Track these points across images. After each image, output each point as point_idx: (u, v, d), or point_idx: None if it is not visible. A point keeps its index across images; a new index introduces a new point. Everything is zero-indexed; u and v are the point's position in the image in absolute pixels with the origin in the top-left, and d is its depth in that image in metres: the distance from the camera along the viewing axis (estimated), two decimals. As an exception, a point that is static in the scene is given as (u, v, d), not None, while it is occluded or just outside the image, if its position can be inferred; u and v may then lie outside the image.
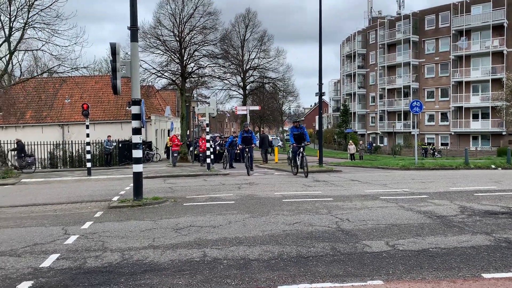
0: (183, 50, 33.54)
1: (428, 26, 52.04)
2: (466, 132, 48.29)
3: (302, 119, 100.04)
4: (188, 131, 39.16)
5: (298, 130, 15.66)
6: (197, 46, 34.36)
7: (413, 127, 47.46)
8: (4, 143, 25.19)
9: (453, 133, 49.28)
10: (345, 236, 6.10)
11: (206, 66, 36.17)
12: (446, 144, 49.85)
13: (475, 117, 47.86)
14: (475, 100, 47.91)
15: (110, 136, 27.18)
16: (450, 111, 49.64)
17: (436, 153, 43.21)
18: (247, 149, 17.54)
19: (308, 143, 16.27)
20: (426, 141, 49.27)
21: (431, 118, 52.00)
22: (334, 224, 6.85)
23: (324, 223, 6.95)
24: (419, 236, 6.02)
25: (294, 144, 15.52)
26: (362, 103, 64.41)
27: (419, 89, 53.22)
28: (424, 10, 53.42)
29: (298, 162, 15.55)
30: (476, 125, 47.68)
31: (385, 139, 58.65)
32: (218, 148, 27.94)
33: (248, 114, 32.19)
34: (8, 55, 24.95)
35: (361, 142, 48.38)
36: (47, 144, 26.07)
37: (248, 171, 17.25)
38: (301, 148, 15.34)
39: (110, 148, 26.32)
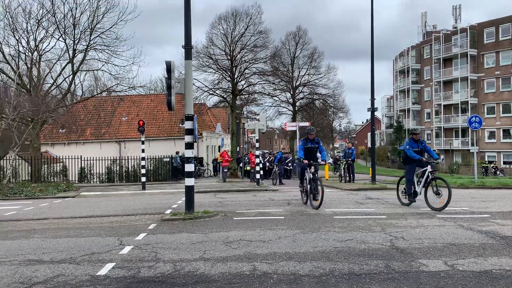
0: (234, 68, 34.20)
1: (488, 39, 49.85)
2: (531, 150, 45.37)
3: (353, 136, 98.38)
4: (238, 147, 39.62)
5: (311, 143, 11.52)
6: (248, 64, 34.90)
7: (472, 144, 45.23)
8: (66, 158, 26.64)
9: (516, 151, 46.44)
10: (400, 254, 5.86)
11: (256, 83, 36.62)
12: (510, 163, 46.97)
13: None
14: (540, 116, 45.03)
15: (178, 152, 28.08)
16: (513, 127, 46.91)
17: (498, 171, 40.82)
18: (312, 168, 11.10)
19: (325, 162, 12.40)
20: (486, 159, 46.73)
21: (492, 135, 49.35)
22: (388, 242, 6.61)
23: (378, 241, 6.72)
24: (481, 256, 5.66)
25: (305, 161, 11.16)
26: (417, 119, 62.36)
27: (478, 104, 50.82)
28: (483, 23, 51.30)
29: (307, 187, 11.14)
30: (543, 142, 44.70)
31: (442, 157, 56.26)
32: (267, 164, 28.01)
33: (297, 131, 32.11)
34: (71, 75, 26.58)
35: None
36: (105, 160, 27.29)
37: (312, 202, 10.94)
38: (313, 168, 10.97)
39: (179, 163, 27.02)
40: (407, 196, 10.95)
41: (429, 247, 6.20)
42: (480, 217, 8.97)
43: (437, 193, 9.93)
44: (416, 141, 10.89)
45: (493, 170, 40.71)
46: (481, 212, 9.68)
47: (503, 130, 48.26)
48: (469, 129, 24.57)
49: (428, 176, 10.35)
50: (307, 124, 41.44)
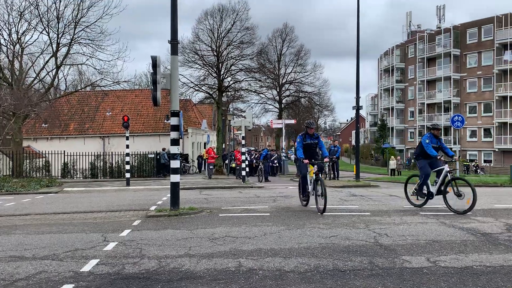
0: (220, 65, 34.08)
1: (470, 39, 50.65)
2: (511, 149, 46.27)
3: (338, 134, 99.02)
4: (223, 144, 39.55)
5: (311, 138, 10.22)
6: (234, 60, 34.82)
7: (454, 143, 45.98)
8: (49, 154, 26.25)
9: (497, 150, 47.33)
10: (383, 251, 5.93)
11: (242, 80, 36.56)
12: (490, 161, 47.90)
13: (522, 133, 45.84)
14: (521, 115, 45.98)
15: (165, 148, 27.89)
16: (493, 126, 47.81)
17: (479, 170, 41.58)
18: (315, 168, 9.79)
19: (329, 159, 10.58)
20: (468, 158, 47.56)
21: (473, 134, 50.25)
22: (372, 239, 6.68)
23: (362, 238, 6.79)
24: (462, 253, 5.77)
25: (306, 161, 9.77)
26: (400, 118, 63.09)
27: (460, 104, 51.64)
28: (466, 24, 52.08)
29: (309, 188, 9.92)
30: (522, 142, 45.64)
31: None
32: (254, 161, 28.04)
33: (283, 128, 32.19)
34: (55, 69, 26.15)
35: (399, 157, 47.20)
36: (88, 155, 26.98)
37: (317, 205, 9.50)
38: (315, 167, 9.74)
39: (167, 159, 26.83)
40: (418, 197, 10.03)
41: (412, 244, 6.30)
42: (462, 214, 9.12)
43: (459, 195, 9.12)
44: (437, 137, 9.93)
45: (474, 168, 41.44)
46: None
47: (484, 129, 49.18)
48: (452, 128, 24.93)
49: (445, 176, 9.51)
50: (293, 121, 41.63)
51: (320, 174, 9.70)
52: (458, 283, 4.52)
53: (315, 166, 9.71)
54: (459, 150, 27.98)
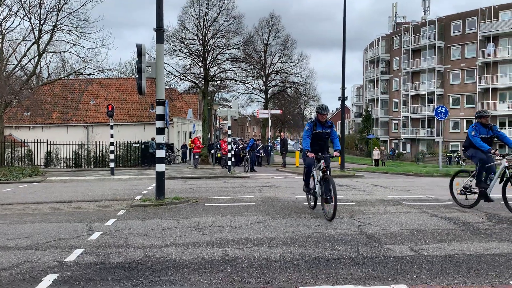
0: (206, 54, 33.86)
1: (454, 31, 51.16)
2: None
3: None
4: (209, 134, 39.41)
5: (322, 127, 8.14)
6: (220, 49, 34.66)
7: (437, 134, 46.66)
8: (31, 142, 25.82)
9: (478, 141, 48.17)
10: (367, 240, 6.02)
11: (228, 70, 36.46)
12: (471, 152, 48.71)
13: (502, 125, 46.65)
14: (502, 108, 46.78)
15: (154, 138, 27.65)
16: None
17: (461, 161, 42.31)
18: (322, 163, 7.83)
19: (339, 153, 8.77)
20: (450, 149, 48.32)
21: (456, 125, 51.01)
22: (357, 228, 6.77)
23: (346, 227, 6.87)
24: (444, 242, 5.89)
25: (311, 154, 7.85)
26: (385, 109, 63.63)
27: (444, 95, 52.29)
28: (450, 16, 52.54)
29: (317, 188, 7.90)
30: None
31: (408, 146, 57.75)
32: (241, 151, 28.05)
33: (269, 118, 32.20)
34: (37, 56, 25.61)
35: (383, 148, 47.77)
36: (72, 144, 26.63)
37: (323, 209, 7.72)
38: (323, 162, 7.75)
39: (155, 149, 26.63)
40: (467, 196, 8.64)
41: (396, 233, 6.40)
42: (444, 204, 9.30)
43: None
44: (486, 125, 8.27)
45: (456, 159, 42.15)
46: (445, 199, 10.01)
47: (466, 121, 49.92)
48: (435, 119, 25.26)
49: (504, 172, 7.88)
50: (278, 111, 41.62)
51: (328, 171, 7.76)
52: (440, 271, 4.62)
53: (322, 160, 7.80)
54: (442, 141, 28.36)
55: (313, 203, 8.48)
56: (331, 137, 8.31)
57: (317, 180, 7.91)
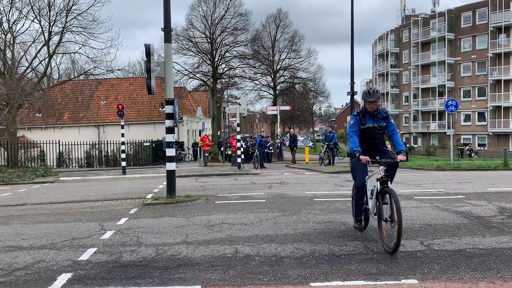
0: (214, 52, 33.90)
1: (465, 23, 50.51)
2: (505, 133, 46.56)
3: (333, 119, 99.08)
4: (219, 131, 39.52)
5: (373, 120, 5.83)
6: (228, 47, 34.65)
7: (448, 127, 46.20)
8: (44, 143, 26.14)
9: (491, 134, 47.62)
10: (378, 235, 6.00)
11: (236, 67, 36.47)
12: (484, 145, 48.19)
13: (515, 116, 46.10)
14: (515, 99, 46.19)
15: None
16: (488, 110, 48.00)
17: (473, 154, 41.85)
18: (382, 170, 5.39)
19: (405, 158, 5.47)
20: (462, 142, 47.84)
21: (467, 118, 50.45)
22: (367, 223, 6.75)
23: (357, 222, 6.85)
24: (455, 236, 5.86)
25: (364, 158, 5.51)
26: (395, 103, 63.16)
27: (454, 88, 51.72)
28: (460, 7, 51.85)
29: (370, 203, 5.74)
30: (516, 125, 45.92)
31: (419, 140, 57.30)
32: (250, 148, 28.10)
33: (278, 114, 32.18)
34: (47, 58, 25.91)
35: (393, 142, 47.50)
36: (83, 144, 26.90)
37: (381, 235, 5.45)
38: (382, 169, 5.39)
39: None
40: None
41: (407, 228, 6.38)
42: (456, 198, 9.24)
43: None
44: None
45: (468, 152, 41.66)
46: (457, 193, 9.96)
47: (478, 113, 49.38)
48: (446, 112, 24.99)
49: None
50: (287, 108, 41.51)
51: (390, 181, 5.47)
52: (452, 266, 4.61)
53: (380, 167, 5.45)
54: (453, 135, 28.11)
55: (363, 225, 6.07)
56: (388, 132, 5.92)
57: (372, 194, 5.70)
